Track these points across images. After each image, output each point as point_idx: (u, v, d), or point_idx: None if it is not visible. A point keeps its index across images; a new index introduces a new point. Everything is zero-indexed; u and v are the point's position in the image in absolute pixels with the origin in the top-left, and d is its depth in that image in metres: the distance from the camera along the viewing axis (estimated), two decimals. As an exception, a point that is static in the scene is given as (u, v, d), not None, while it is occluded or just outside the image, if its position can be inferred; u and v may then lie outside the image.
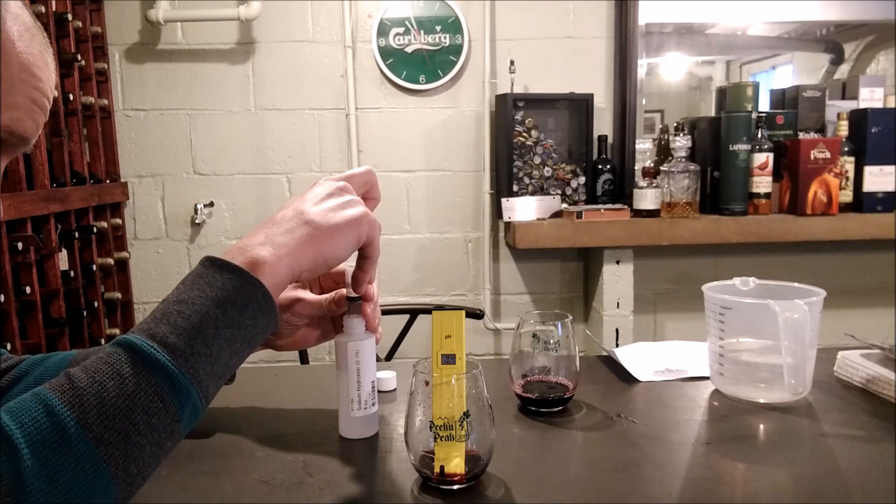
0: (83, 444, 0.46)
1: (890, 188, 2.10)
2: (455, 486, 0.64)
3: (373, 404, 0.77)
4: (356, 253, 0.69)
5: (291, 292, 0.80)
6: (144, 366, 0.50)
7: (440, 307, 1.34)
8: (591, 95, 2.21)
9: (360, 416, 0.77)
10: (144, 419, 0.49)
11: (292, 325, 0.80)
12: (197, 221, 2.27)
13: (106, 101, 2.16)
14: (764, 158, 2.06)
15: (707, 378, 0.93)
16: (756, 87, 2.18)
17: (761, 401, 0.85)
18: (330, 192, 0.65)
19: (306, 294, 0.79)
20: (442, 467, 0.63)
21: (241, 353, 0.56)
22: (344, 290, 0.77)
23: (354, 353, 0.75)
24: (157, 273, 2.32)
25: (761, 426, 0.80)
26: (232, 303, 0.55)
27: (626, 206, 2.12)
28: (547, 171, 2.24)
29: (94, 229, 1.99)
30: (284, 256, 0.59)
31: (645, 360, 1.01)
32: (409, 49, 2.23)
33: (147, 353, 0.50)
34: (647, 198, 2.10)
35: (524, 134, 2.23)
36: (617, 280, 2.18)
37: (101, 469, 0.47)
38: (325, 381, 0.87)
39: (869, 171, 2.09)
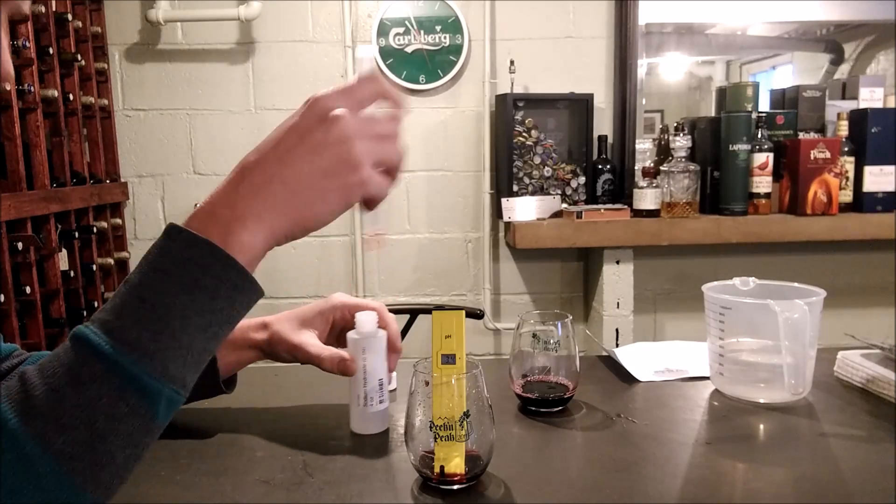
0: (43, 461, 0.43)
1: (890, 188, 2.10)
2: (455, 486, 0.64)
3: (381, 401, 0.79)
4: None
5: (295, 336, 0.81)
6: (105, 369, 0.45)
7: (440, 307, 1.34)
8: (591, 95, 2.21)
9: (369, 413, 0.78)
10: (110, 426, 0.45)
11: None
12: (197, 221, 2.27)
13: (106, 101, 2.16)
14: (764, 158, 2.06)
15: (707, 378, 0.93)
16: (756, 87, 2.17)
17: (761, 401, 0.85)
18: (313, 133, 0.57)
19: (309, 341, 0.81)
20: (442, 467, 0.63)
21: (221, 334, 0.51)
22: (346, 354, 0.78)
23: (361, 349, 0.77)
24: (157, 273, 2.32)
25: (761, 426, 0.80)
26: (201, 287, 0.48)
27: (626, 206, 2.12)
28: (547, 171, 2.24)
29: (94, 229, 1.99)
30: (262, 228, 0.52)
31: (645, 360, 1.01)
32: (409, 49, 2.23)
33: (107, 354, 0.45)
34: (647, 198, 2.10)
35: (524, 134, 2.22)
36: (617, 280, 2.18)
37: (66, 483, 0.44)
38: (326, 381, 0.87)
39: (869, 171, 2.09)
